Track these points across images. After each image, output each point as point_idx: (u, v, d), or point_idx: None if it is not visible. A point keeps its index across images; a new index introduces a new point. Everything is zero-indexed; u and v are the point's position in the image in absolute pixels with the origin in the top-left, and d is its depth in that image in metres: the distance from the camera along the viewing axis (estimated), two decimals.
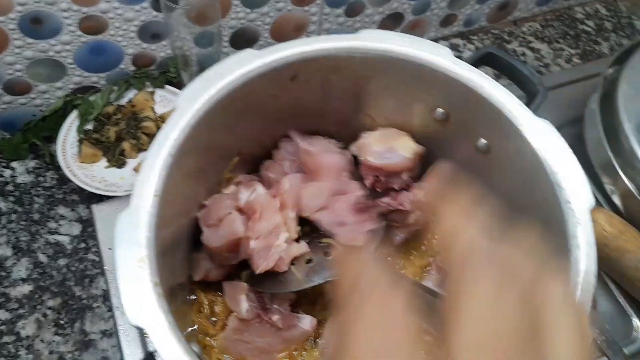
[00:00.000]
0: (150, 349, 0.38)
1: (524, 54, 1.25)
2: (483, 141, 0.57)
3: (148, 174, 0.45)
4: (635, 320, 0.72)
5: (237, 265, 0.61)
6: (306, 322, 0.59)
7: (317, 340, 0.61)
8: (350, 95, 0.61)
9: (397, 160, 0.61)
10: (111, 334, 0.86)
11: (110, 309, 0.88)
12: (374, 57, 0.56)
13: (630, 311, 0.72)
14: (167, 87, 1.02)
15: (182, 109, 0.49)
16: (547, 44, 1.32)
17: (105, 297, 0.89)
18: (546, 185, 0.50)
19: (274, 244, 0.56)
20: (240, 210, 0.58)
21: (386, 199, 0.62)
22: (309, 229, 0.62)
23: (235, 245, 0.57)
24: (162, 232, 0.45)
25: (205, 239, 0.57)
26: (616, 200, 0.76)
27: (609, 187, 0.77)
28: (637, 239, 0.69)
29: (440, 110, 0.59)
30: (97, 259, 0.92)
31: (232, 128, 0.57)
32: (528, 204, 0.53)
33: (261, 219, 0.56)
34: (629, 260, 0.68)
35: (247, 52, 0.53)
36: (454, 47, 1.25)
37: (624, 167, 0.74)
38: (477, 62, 0.61)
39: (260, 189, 0.58)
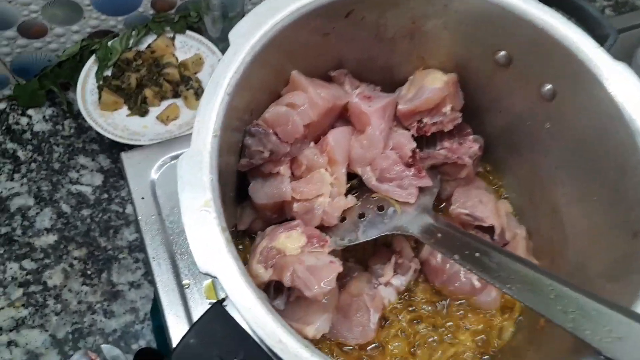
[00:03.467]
0: (220, 296, 0.36)
1: None
2: (548, 86, 0.53)
3: (206, 114, 0.42)
4: None
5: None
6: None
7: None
8: (404, 34, 0.57)
9: (428, 95, 0.57)
10: (139, 285, 0.85)
11: (137, 261, 0.87)
12: None
13: None
14: (188, 32, 0.97)
15: (236, 45, 0.45)
16: None
17: (131, 248, 0.88)
18: (622, 132, 0.47)
19: (315, 205, 0.54)
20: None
21: (443, 151, 0.59)
22: (357, 182, 0.60)
23: (280, 207, 0.55)
24: (221, 175, 0.42)
25: (251, 191, 0.54)
26: None
27: None
28: None
29: (502, 53, 0.55)
30: (120, 209, 0.89)
31: (281, 68, 0.53)
32: (599, 152, 0.50)
33: (308, 182, 0.53)
34: None
35: None
36: None
37: None
38: (541, 1, 0.56)
39: (311, 143, 0.55)
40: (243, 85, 0.46)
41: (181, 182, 0.39)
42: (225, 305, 0.38)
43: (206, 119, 0.42)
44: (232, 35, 0.45)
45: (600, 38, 0.55)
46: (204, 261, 0.37)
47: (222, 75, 0.44)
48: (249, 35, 0.46)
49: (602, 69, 0.48)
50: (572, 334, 0.38)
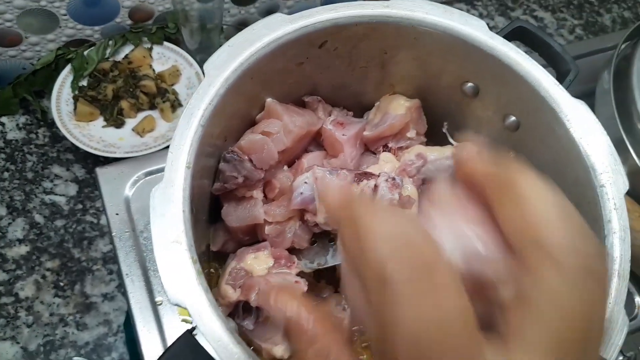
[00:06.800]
0: (189, 326, 0.37)
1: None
2: (512, 118, 0.56)
3: (180, 145, 0.43)
4: (637, 298, 0.74)
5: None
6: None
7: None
8: (376, 64, 0.59)
9: (392, 121, 0.60)
10: (113, 297, 0.85)
11: (110, 272, 0.87)
12: (406, 26, 0.54)
13: (632, 289, 0.74)
14: (165, 43, 0.97)
15: (211, 77, 0.46)
16: (550, 13, 1.31)
17: (105, 260, 0.88)
18: (579, 167, 0.50)
19: (287, 228, 0.55)
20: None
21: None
22: None
23: (252, 229, 0.56)
24: (194, 200, 0.43)
25: (224, 215, 0.56)
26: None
27: None
28: None
29: (470, 84, 0.57)
30: (95, 220, 0.89)
31: (255, 95, 0.54)
32: (559, 184, 0.52)
33: (280, 204, 0.55)
34: (634, 239, 0.69)
35: (277, 17, 0.50)
36: None
37: (635, 145, 0.74)
38: (507, 36, 0.59)
39: (285, 167, 0.56)
40: (217, 114, 0.47)
41: (154, 214, 0.40)
42: (195, 334, 0.39)
43: (180, 151, 0.43)
44: (207, 66, 0.47)
45: (562, 73, 0.58)
46: (174, 292, 0.38)
47: (196, 107, 0.45)
48: (224, 66, 0.47)
49: (561, 105, 0.51)
50: None
